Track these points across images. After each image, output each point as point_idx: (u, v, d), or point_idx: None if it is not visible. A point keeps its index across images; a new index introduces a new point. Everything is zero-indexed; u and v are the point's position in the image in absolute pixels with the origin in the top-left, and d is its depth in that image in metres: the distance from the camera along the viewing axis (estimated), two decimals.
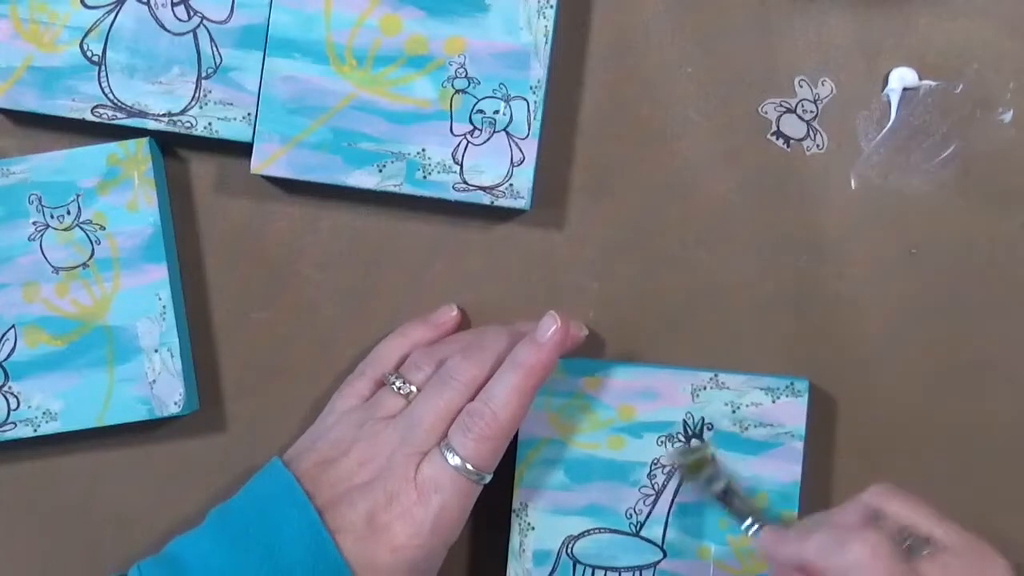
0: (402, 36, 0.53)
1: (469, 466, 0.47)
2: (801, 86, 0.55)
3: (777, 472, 0.53)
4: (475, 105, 0.53)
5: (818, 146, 0.56)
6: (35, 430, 0.52)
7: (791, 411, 0.53)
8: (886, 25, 0.55)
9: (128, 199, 0.53)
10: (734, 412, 0.53)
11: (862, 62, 0.55)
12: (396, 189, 0.53)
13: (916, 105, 0.55)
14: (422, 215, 0.55)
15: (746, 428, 0.53)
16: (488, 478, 0.48)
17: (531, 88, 0.53)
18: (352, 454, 0.49)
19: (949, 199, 0.56)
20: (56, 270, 0.53)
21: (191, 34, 0.52)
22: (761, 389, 0.53)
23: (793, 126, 0.55)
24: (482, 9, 0.53)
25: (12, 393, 0.52)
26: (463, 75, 0.53)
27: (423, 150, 0.53)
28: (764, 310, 0.56)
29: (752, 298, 0.56)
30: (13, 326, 0.52)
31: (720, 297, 0.56)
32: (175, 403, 0.52)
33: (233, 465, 0.55)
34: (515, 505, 0.53)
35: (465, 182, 0.53)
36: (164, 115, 0.52)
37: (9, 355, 0.52)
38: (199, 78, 0.52)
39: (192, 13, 0.52)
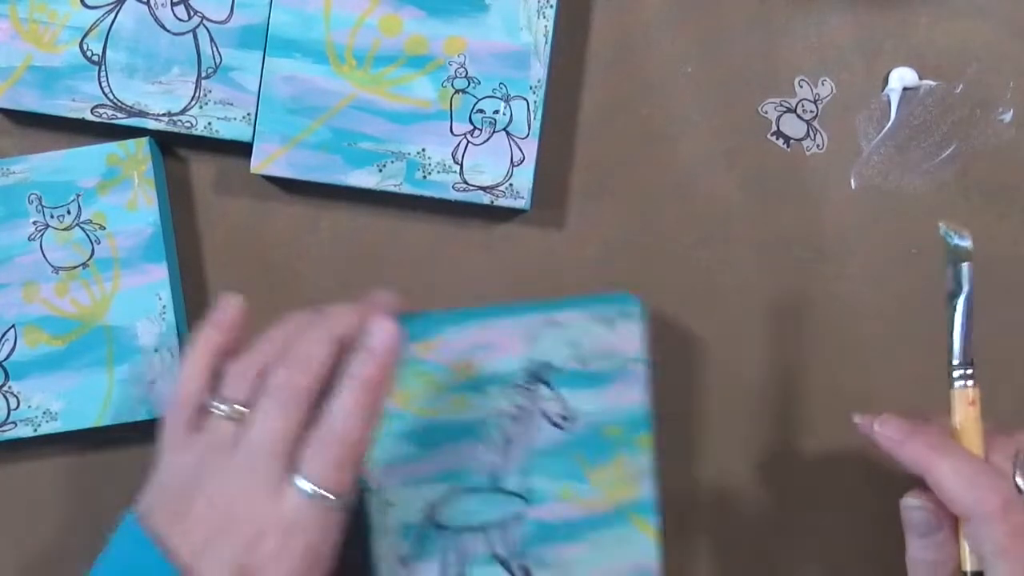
0: (402, 36, 0.53)
1: (329, 496, 0.44)
2: (801, 86, 0.55)
3: (625, 399, 0.52)
4: (475, 105, 0.53)
5: (818, 146, 0.56)
6: (35, 430, 0.52)
7: (629, 336, 0.52)
8: (886, 25, 0.55)
9: (128, 199, 0.53)
10: (573, 349, 0.52)
11: (862, 62, 0.55)
12: (396, 189, 0.53)
13: (916, 105, 0.55)
14: (422, 215, 0.55)
15: (587, 363, 0.52)
16: (350, 499, 0.45)
17: (531, 88, 0.53)
18: (201, 499, 0.44)
19: (949, 199, 0.56)
20: (56, 270, 0.53)
21: (191, 34, 0.52)
22: (596, 320, 0.52)
23: (793, 126, 0.55)
24: (482, 9, 0.53)
25: (12, 393, 0.52)
26: (463, 75, 0.53)
27: (423, 150, 0.53)
28: (764, 310, 0.56)
29: (752, 298, 0.56)
30: (13, 326, 0.52)
31: (720, 297, 0.56)
32: None
33: None
34: (371, 485, 0.51)
35: (465, 182, 0.53)
36: (164, 115, 0.52)
37: (9, 355, 0.52)
38: (199, 78, 0.52)
39: (192, 13, 0.52)
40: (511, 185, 0.53)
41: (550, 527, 0.52)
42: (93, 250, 0.53)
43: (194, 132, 0.52)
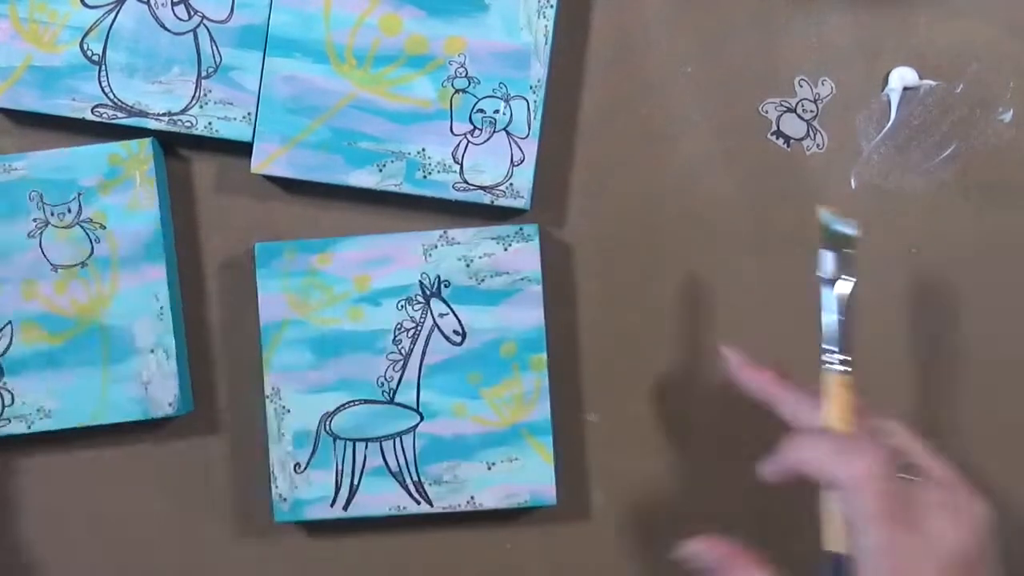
0: (402, 36, 0.53)
1: None
2: (801, 86, 0.55)
3: (520, 318, 0.53)
4: (475, 105, 0.53)
5: (818, 146, 0.55)
6: (29, 427, 0.52)
7: (525, 257, 0.53)
8: (886, 25, 0.55)
9: (129, 198, 0.53)
10: (468, 266, 0.53)
11: (862, 62, 0.55)
12: (396, 189, 0.53)
13: (916, 105, 0.55)
14: (422, 215, 0.55)
15: (482, 280, 0.53)
16: None
17: (531, 88, 0.53)
18: None
19: (949, 199, 0.55)
20: (55, 268, 0.53)
21: (191, 34, 0.52)
22: (492, 239, 0.53)
23: (793, 126, 0.55)
24: (482, 9, 0.53)
25: (7, 389, 0.52)
26: (463, 75, 0.53)
27: (423, 150, 0.53)
28: (764, 310, 0.55)
29: (752, 298, 0.55)
30: (10, 322, 0.52)
31: (720, 297, 0.55)
32: (169, 404, 0.52)
33: (227, 466, 0.55)
34: (267, 391, 0.53)
35: (465, 182, 0.53)
36: (164, 115, 0.52)
37: (5, 351, 0.52)
38: (199, 78, 0.52)
39: (192, 13, 0.53)
40: (511, 185, 0.53)
41: (443, 443, 0.53)
42: (93, 249, 0.53)
43: (194, 132, 0.52)
